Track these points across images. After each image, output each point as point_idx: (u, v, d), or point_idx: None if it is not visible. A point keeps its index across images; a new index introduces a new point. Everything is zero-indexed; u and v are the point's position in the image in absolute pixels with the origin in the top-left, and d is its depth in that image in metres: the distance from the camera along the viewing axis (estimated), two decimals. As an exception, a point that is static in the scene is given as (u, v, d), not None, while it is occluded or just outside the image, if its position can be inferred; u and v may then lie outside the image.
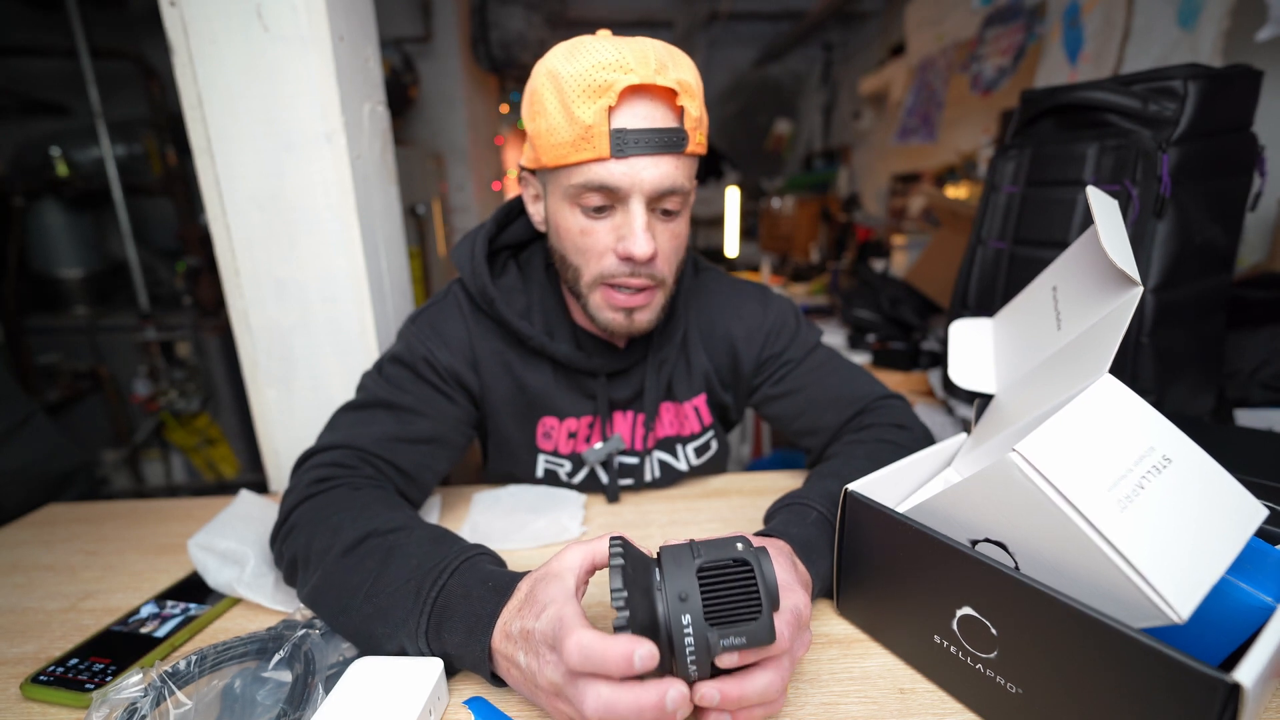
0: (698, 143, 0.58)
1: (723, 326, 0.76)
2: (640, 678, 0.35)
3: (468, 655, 0.43)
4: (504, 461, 0.76)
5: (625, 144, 0.54)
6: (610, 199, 0.57)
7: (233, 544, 0.59)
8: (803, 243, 3.58)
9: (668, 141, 0.55)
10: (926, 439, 0.69)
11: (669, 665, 0.37)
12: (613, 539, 0.39)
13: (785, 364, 0.75)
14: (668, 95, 0.55)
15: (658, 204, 0.58)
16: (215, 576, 0.57)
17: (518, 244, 0.74)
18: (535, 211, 0.67)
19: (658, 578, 0.38)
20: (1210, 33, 1.31)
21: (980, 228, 0.98)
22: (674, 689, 0.34)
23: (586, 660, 0.35)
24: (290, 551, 0.53)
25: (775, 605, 0.37)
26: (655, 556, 0.40)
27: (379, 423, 0.63)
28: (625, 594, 0.35)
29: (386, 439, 0.62)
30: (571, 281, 0.64)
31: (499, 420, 0.73)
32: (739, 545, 0.38)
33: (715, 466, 0.82)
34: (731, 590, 0.36)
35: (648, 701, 0.34)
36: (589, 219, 0.59)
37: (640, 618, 0.36)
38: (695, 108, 0.56)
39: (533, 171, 0.65)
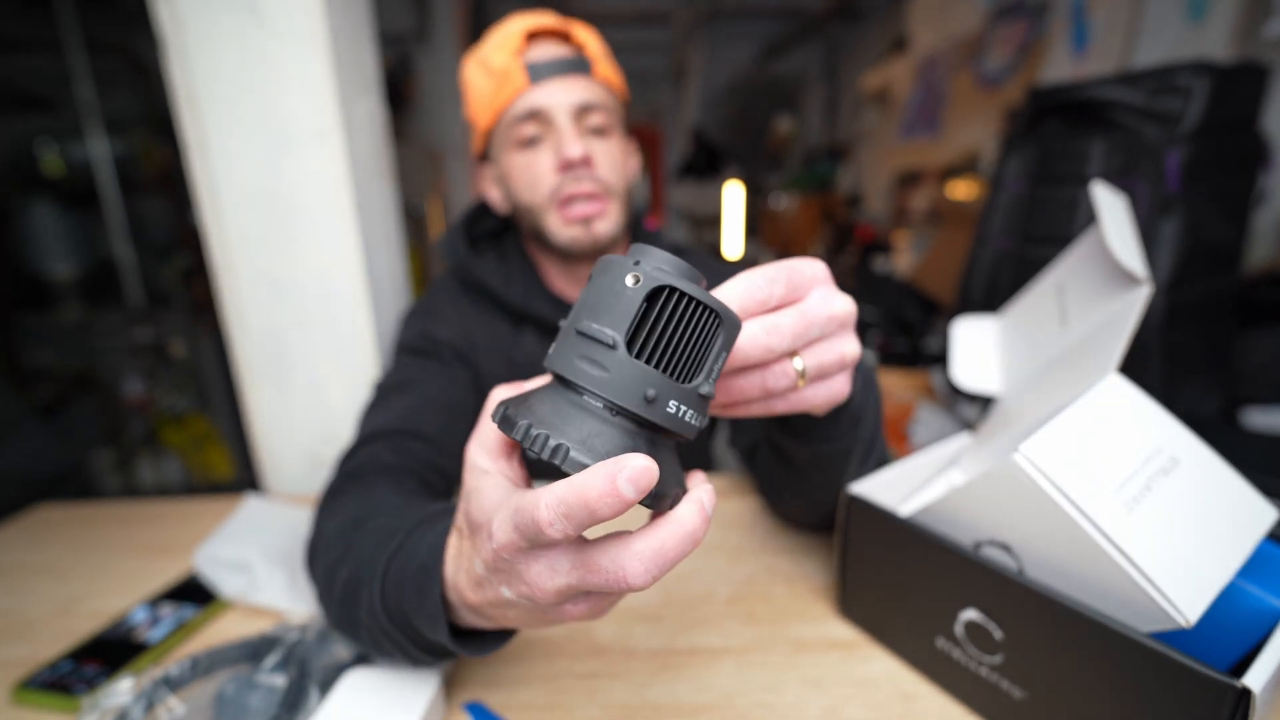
0: (606, 74, 0.67)
1: None
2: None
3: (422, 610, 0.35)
4: None
5: (538, 72, 0.63)
6: (540, 126, 0.64)
7: (235, 551, 0.59)
8: (804, 240, 3.56)
9: (574, 65, 0.64)
10: None
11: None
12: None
13: None
14: (564, 35, 0.66)
15: (584, 120, 0.65)
16: (227, 587, 0.57)
17: (495, 233, 0.81)
18: (497, 196, 0.73)
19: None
20: (1219, 26, 1.30)
21: (985, 225, 0.97)
22: (636, 457, 0.22)
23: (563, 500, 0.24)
24: (317, 577, 0.45)
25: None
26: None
27: (392, 405, 0.63)
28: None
29: (405, 412, 0.61)
30: (532, 223, 0.68)
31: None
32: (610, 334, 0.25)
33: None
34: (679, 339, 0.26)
35: (600, 474, 0.22)
36: (529, 152, 0.65)
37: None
38: (594, 44, 0.66)
39: (484, 156, 0.72)
